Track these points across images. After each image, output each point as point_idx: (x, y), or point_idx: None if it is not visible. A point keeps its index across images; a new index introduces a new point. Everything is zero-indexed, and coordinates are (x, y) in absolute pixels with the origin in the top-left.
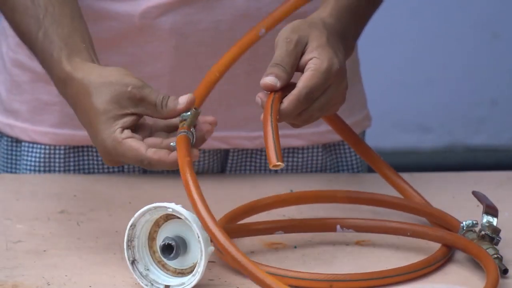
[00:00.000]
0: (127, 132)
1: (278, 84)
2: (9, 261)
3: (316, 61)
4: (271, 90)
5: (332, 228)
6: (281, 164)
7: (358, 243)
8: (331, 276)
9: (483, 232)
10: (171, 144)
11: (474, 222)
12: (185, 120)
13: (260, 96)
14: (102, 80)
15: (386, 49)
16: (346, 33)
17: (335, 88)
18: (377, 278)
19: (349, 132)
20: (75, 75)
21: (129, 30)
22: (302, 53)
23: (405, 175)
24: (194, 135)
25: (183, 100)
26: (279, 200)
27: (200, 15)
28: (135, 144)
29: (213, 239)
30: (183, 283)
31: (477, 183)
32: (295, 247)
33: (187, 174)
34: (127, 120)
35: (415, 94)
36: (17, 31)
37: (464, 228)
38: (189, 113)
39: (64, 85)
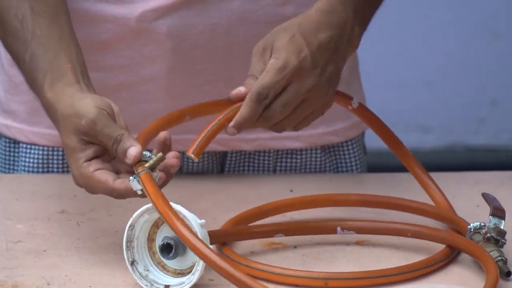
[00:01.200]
0: (95, 164)
1: (243, 90)
2: (9, 261)
3: (272, 60)
4: (238, 95)
5: (332, 231)
6: (195, 158)
7: (358, 243)
8: (326, 274)
9: (488, 234)
10: (130, 182)
11: (481, 224)
12: (145, 161)
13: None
14: (67, 111)
15: (386, 49)
16: (337, 22)
17: (296, 85)
18: (373, 277)
19: (376, 121)
20: (54, 105)
21: (126, 33)
22: (270, 56)
23: (406, 175)
24: (157, 177)
25: (131, 153)
26: (290, 204)
27: (196, 18)
28: (103, 177)
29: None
30: (183, 282)
31: (477, 183)
32: (295, 247)
33: (166, 207)
34: (89, 151)
35: (415, 94)
36: (8, 52)
37: (472, 230)
38: (150, 155)
39: (48, 111)
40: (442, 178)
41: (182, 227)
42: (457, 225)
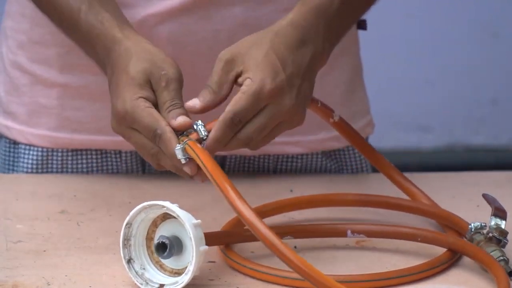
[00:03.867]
0: (150, 105)
1: (198, 105)
2: (9, 261)
3: (247, 82)
4: (192, 112)
5: (342, 234)
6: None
7: (359, 244)
8: (332, 277)
9: (490, 234)
10: (175, 149)
11: (482, 224)
12: (186, 136)
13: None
14: (146, 55)
15: (386, 49)
16: (311, 38)
17: (273, 108)
18: (379, 280)
19: (355, 135)
20: (125, 42)
21: None
22: (241, 72)
23: (405, 175)
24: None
25: (179, 119)
26: (288, 204)
27: (197, 25)
28: (156, 114)
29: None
30: (176, 282)
31: (477, 183)
32: (295, 247)
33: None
34: (151, 95)
35: (415, 94)
36: (54, 14)
37: (472, 230)
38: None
39: (109, 51)
40: (442, 178)
41: (231, 192)
42: (456, 225)
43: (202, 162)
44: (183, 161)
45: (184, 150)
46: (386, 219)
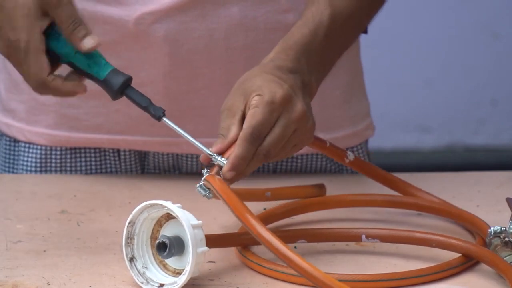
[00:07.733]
0: (44, 43)
1: (213, 150)
2: (9, 261)
3: (257, 97)
4: (208, 163)
5: (357, 238)
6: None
7: (358, 243)
8: (333, 276)
9: (506, 239)
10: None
11: (502, 228)
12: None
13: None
14: None
15: (386, 50)
16: (295, 68)
17: (287, 115)
18: (381, 280)
19: (375, 170)
20: None
21: (124, 35)
22: (245, 106)
23: (405, 175)
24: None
25: (87, 42)
26: (314, 203)
27: (194, 23)
28: (45, 60)
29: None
30: (175, 282)
31: (477, 183)
32: (295, 247)
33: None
34: (45, 23)
35: (415, 94)
36: None
37: (492, 233)
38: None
39: None
40: (442, 178)
41: (257, 224)
42: (477, 227)
43: (218, 193)
44: (207, 198)
45: (203, 186)
46: (385, 219)
